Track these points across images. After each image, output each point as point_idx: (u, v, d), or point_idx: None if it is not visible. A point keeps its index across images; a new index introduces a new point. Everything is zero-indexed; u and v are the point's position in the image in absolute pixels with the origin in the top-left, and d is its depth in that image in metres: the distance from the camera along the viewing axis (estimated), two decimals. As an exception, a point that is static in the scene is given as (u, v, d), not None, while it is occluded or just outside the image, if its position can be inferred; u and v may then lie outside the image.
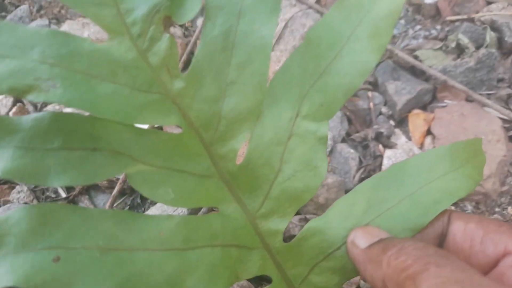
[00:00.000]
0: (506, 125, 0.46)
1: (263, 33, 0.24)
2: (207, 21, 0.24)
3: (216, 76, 0.24)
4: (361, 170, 0.51)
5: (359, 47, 0.24)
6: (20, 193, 0.55)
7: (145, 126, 0.25)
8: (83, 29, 0.63)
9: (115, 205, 0.51)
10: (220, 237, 0.24)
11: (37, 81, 0.19)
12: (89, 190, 0.55)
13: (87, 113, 0.21)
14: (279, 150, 0.25)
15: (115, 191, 0.50)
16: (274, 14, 0.24)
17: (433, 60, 0.52)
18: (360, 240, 0.23)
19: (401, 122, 0.53)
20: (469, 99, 0.50)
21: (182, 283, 0.21)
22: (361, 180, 0.51)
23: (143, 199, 0.52)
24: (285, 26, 0.60)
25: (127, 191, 0.53)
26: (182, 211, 0.49)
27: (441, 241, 0.23)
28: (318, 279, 0.25)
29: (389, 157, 0.50)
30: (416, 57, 0.53)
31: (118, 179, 0.50)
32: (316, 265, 0.25)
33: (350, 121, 0.55)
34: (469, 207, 0.48)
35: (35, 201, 0.55)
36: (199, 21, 0.66)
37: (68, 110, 0.62)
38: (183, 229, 0.22)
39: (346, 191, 0.49)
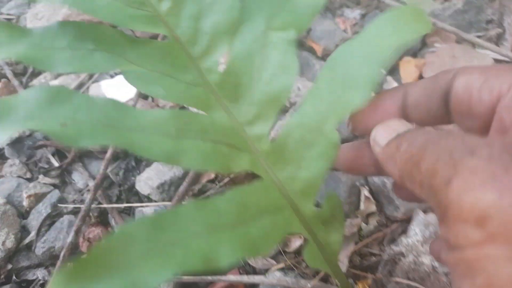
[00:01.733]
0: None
1: None
2: None
3: (196, -3, 0.30)
4: (355, 117, 0.56)
5: None
6: (12, 167, 0.59)
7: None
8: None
9: (109, 169, 0.55)
10: (210, 133, 0.29)
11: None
12: (82, 157, 0.59)
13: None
14: (257, 59, 0.31)
15: (108, 154, 0.54)
16: None
17: (420, 5, 0.57)
18: (380, 137, 0.24)
19: (393, 71, 0.58)
20: (459, 41, 0.55)
21: (178, 161, 0.26)
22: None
23: (138, 162, 0.56)
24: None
25: (120, 155, 0.57)
26: (178, 170, 0.54)
27: (447, 101, 0.23)
28: (307, 173, 0.29)
29: (382, 103, 0.56)
30: (403, 4, 0.59)
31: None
32: (303, 160, 0.29)
33: (342, 74, 0.60)
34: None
35: (28, 174, 0.60)
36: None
37: (55, 82, 0.68)
38: (176, 121, 0.27)
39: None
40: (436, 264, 0.40)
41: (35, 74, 0.71)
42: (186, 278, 0.43)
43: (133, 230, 0.19)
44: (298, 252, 0.45)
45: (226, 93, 0.31)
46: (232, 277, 0.43)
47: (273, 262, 0.45)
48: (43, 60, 0.25)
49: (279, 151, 0.30)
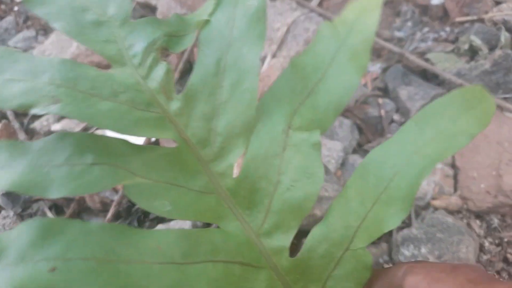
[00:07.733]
0: (527, 130, 0.49)
1: (251, 57, 0.30)
2: (200, 52, 0.29)
3: (209, 96, 0.29)
4: (373, 183, 0.53)
5: (342, 69, 0.29)
6: (5, 219, 0.57)
7: (141, 141, 0.29)
8: (71, 40, 0.68)
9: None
10: (222, 252, 0.26)
11: (43, 98, 0.24)
12: (81, 214, 0.57)
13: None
14: (276, 162, 0.29)
15: (109, 214, 0.52)
16: (260, 40, 0.30)
17: (445, 63, 0.55)
18: None
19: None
20: (486, 104, 0.53)
21: None
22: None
23: (140, 222, 0.54)
24: (287, 31, 0.64)
25: (122, 214, 0.55)
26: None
27: None
28: None
29: (402, 168, 0.53)
30: (427, 60, 0.57)
31: (112, 201, 0.53)
32: (328, 278, 0.27)
33: (360, 131, 0.58)
34: (495, 220, 0.50)
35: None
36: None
37: (57, 126, 0.67)
38: (183, 242, 0.25)
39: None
40: None
41: (37, 116, 0.69)
42: None
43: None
44: None
45: (241, 200, 0.29)
46: None
47: None
48: (38, 184, 0.23)
49: (302, 268, 0.28)
